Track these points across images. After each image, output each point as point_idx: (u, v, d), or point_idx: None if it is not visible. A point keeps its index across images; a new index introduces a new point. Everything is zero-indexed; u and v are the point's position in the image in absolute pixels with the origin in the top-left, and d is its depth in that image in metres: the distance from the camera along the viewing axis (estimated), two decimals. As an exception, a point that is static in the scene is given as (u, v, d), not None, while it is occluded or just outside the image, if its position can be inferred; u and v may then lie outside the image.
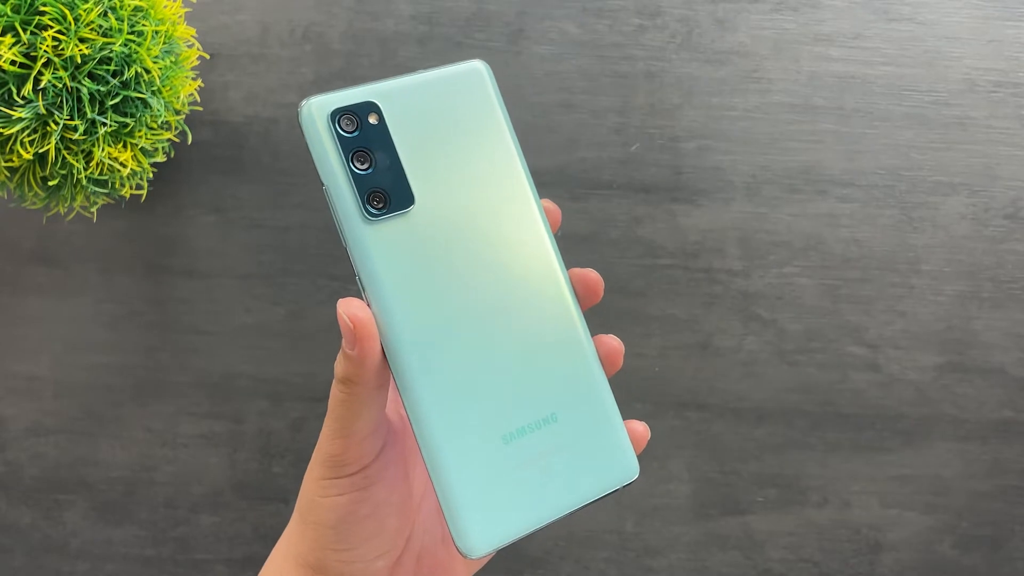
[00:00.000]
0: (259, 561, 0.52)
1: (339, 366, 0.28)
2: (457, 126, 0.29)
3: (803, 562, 0.52)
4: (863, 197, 0.51)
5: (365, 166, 0.28)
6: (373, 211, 0.27)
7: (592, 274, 0.30)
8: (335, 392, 0.28)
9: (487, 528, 0.28)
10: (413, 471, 0.33)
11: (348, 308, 0.27)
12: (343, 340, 0.27)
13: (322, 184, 0.28)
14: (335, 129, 0.27)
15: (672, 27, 0.51)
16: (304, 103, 0.27)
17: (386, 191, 0.28)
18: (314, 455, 0.30)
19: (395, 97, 0.28)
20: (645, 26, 0.51)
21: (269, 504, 0.52)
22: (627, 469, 0.30)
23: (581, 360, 0.30)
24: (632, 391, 0.51)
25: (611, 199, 0.51)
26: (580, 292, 0.30)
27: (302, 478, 0.31)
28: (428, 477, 0.33)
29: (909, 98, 0.51)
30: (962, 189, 0.51)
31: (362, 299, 0.28)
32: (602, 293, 0.31)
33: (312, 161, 0.28)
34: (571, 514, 0.29)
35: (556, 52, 0.51)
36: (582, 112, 0.51)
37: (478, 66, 0.30)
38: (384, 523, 0.30)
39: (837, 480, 0.51)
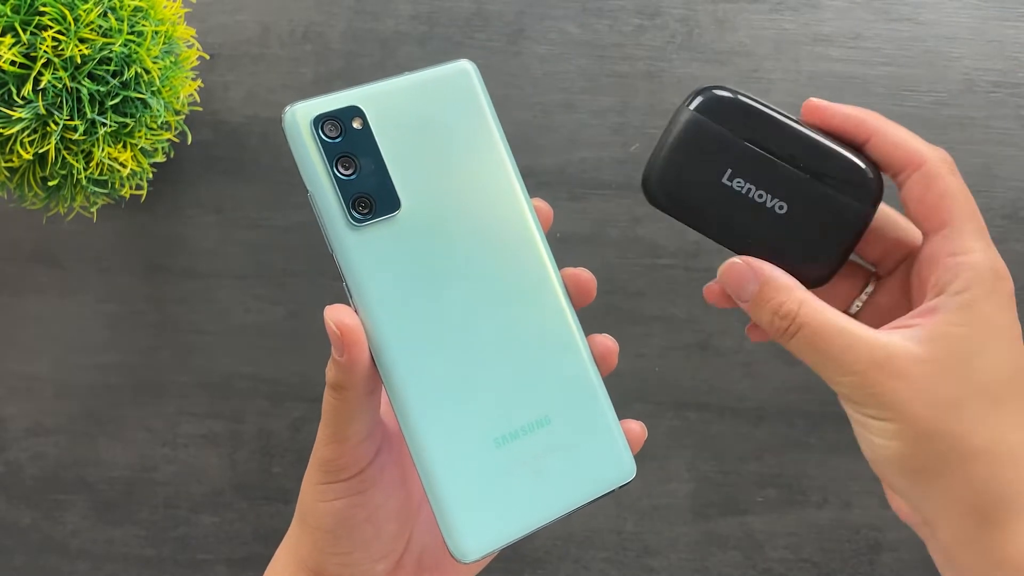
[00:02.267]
0: (259, 561, 0.52)
1: (329, 372, 0.28)
2: (444, 128, 0.28)
3: (803, 562, 0.52)
4: (863, 197, 0.51)
5: (349, 172, 0.27)
6: (358, 216, 0.27)
7: (584, 273, 0.30)
8: (327, 398, 0.28)
9: (479, 532, 0.27)
10: (411, 475, 0.32)
11: (335, 315, 0.27)
12: (332, 347, 0.27)
13: (307, 191, 0.27)
14: (318, 135, 0.27)
15: (672, 27, 0.51)
16: (288, 109, 0.27)
17: (371, 196, 0.27)
18: (311, 460, 0.30)
19: (380, 101, 0.28)
20: (645, 26, 0.51)
21: (269, 504, 0.52)
22: (623, 469, 0.29)
23: (575, 360, 0.29)
24: (632, 391, 0.51)
25: (611, 199, 0.51)
26: (573, 292, 0.30)
27: (302, 478, 0.31)
28: None
29: (909, 98, 0.51)
30: (962, 189, 0.51)
31: (349, 305, 0.27)
32: (595, 292, 0.30)
33: (296, 168, 0.27)
34: (566, 516, 0.29)
35: (556, 52, 0.51)
36: (582, 112, 0.51)
37: (465, 66, 0.29)
38: (382, 527, 0.30)
39: (837, 480, 0.51)
